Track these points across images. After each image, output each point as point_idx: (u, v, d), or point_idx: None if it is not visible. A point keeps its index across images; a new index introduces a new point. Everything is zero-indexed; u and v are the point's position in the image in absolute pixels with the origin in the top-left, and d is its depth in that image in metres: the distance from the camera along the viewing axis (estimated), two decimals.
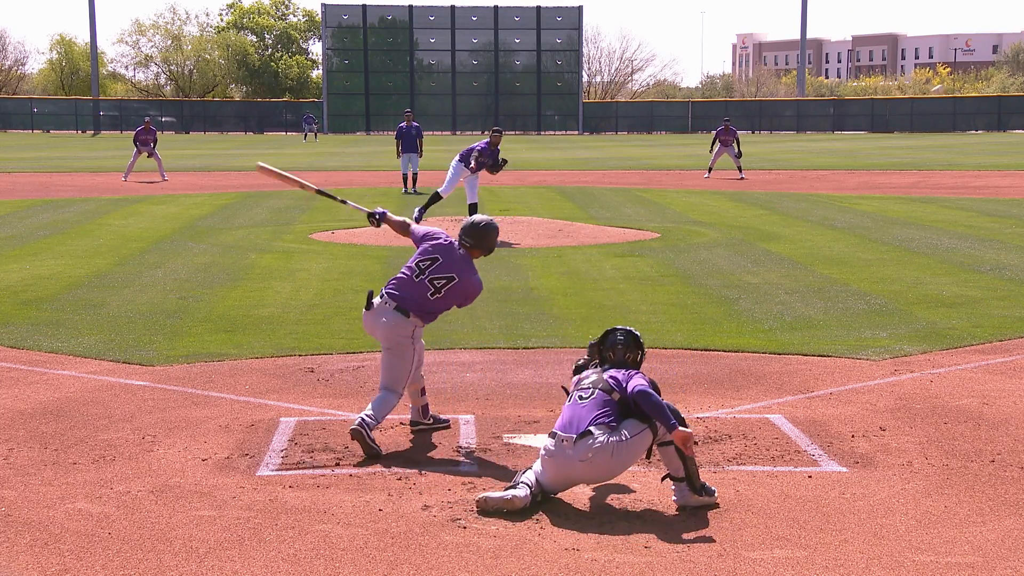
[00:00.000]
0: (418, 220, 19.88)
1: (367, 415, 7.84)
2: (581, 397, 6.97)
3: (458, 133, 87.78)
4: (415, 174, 32.06)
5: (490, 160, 20.75)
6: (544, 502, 6.85)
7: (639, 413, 6.83)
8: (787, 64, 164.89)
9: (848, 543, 6.29)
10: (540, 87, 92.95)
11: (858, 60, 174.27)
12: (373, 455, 7.75)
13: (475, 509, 6.75)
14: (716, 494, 6.91)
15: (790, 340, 11.75)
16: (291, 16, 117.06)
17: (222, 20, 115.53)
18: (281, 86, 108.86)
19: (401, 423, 8.58)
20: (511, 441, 8.24)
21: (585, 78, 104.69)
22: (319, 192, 9.05)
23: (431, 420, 8.51)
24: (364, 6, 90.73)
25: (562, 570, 5.94)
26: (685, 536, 6.40)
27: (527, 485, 6.80)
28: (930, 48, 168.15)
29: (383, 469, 7.58)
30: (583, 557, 6.10)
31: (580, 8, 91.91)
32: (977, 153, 52.90)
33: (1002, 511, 6.79)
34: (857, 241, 19.93)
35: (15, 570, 5.93)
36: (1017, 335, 12.00)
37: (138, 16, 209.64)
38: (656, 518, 6.71)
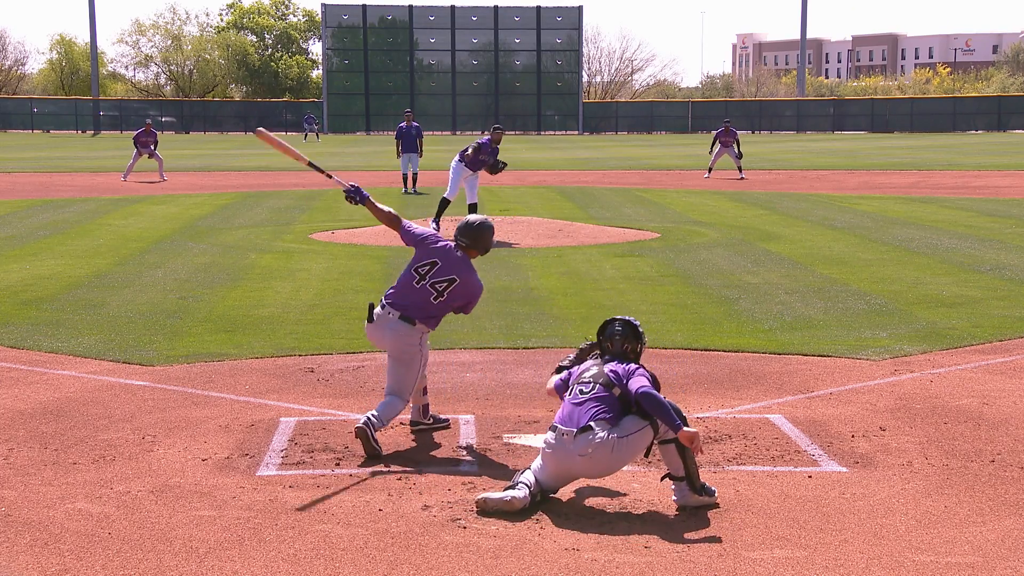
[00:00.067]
0: (436, 229, 19.82)
1: (373, 415, 7.84)
2: (582, 391, 6.96)
3: (458, 133, 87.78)
4: (415, 174, 32.06)
5: (491, 158, 20.71)
6: (544, 502, 6.86)
7: (641, 410, 6.83)
8: (787, 64, 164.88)
9: (848, 543, 6.29)
10: (540, 87, 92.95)
11: (858, 60, 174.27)
12: (374, 455, 7.75)
13: (475, 509, 6.75)
14: (716, 494, 6.91)
15: (790, 340, 11.75)
16: (291, 16, 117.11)
17: (222, 20, 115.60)
18: (281, 86, 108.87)
19: (401, 423, 8.58)
20: (511, 441, 8.24)
21: (585, 78, 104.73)
22: (310, 164, 8.90)
23: (431, 420, 8.51)
24: (364, 6, 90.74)
25: (562, 570, 5.94)
26: (685, 536, 6.40)
27: (526, 485, 6.80)
28: (930, 48, 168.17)
29: (383, 469, 7.58)
30: (583, 557, 6.10)
31: (580, 8, 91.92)
32: (977, 153, 52.91)
33: (1002, 511, 6.79)
34: (857, 241, 19.93)
35: (15, 570, 5.93)
36: (1017, 335, 12.00)
37: (138, 16, 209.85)
38: (656, 518, 6.71)
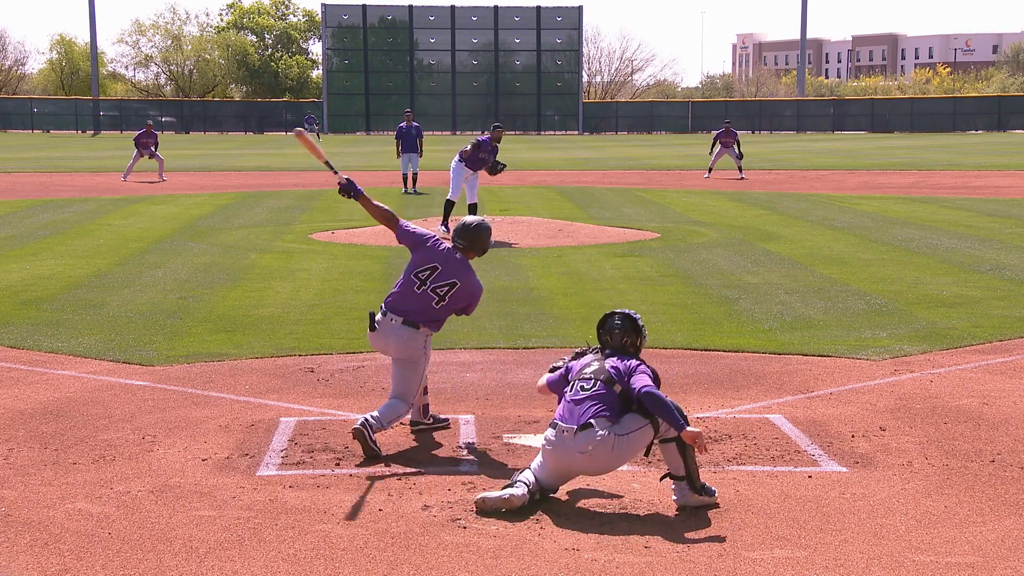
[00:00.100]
0: (448, 231, 19.81)
1: (372, 416, 7.83)
2: (583, 388, 6.94)
3: (458, 133, 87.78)
4: (415, 174, 32.05)
5: (491, 156, 20.68)
6: (543, 501, 6.86)
7: (642, 408, 6.82)
8: (787, 64, 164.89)
9: (848, 543, 6.29)
10: (540, 87, 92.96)
11: (858, 60, 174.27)
12: (373, 456, 7.75)
13: (474, 510, 6.75)
14: (716, 494, 6.92)
15: (790, 340, 11.75)
16: (291, 16, 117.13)
17: (222, 20, 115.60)
18: (281, 86, 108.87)
19: (401, 423, 8.58)
20: (511, 441, 8.24)
21: (585, 78, 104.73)
22: (326, 163, 8.88)
23: (431, 420, 8.51)
24: (364, 6, 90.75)
25: (562, 570, 5.94)
26: (685, 536, 6.40)
27: (525, 484, 6.80)
28: (930, 48, 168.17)
29: (383, 469, 7.58)
30: (583, 557, 6.10)
31: (580, 8, 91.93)
32: (977, 153, 52.91)
33: (1002, 511, 6.79)
34: (857, 241, 19.93)
35: (15, 570, 5.93)
36: (1017, 335, 12.00)
37: (138, 16, 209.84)
38: (656, 518, 6.71)
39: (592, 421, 6.79)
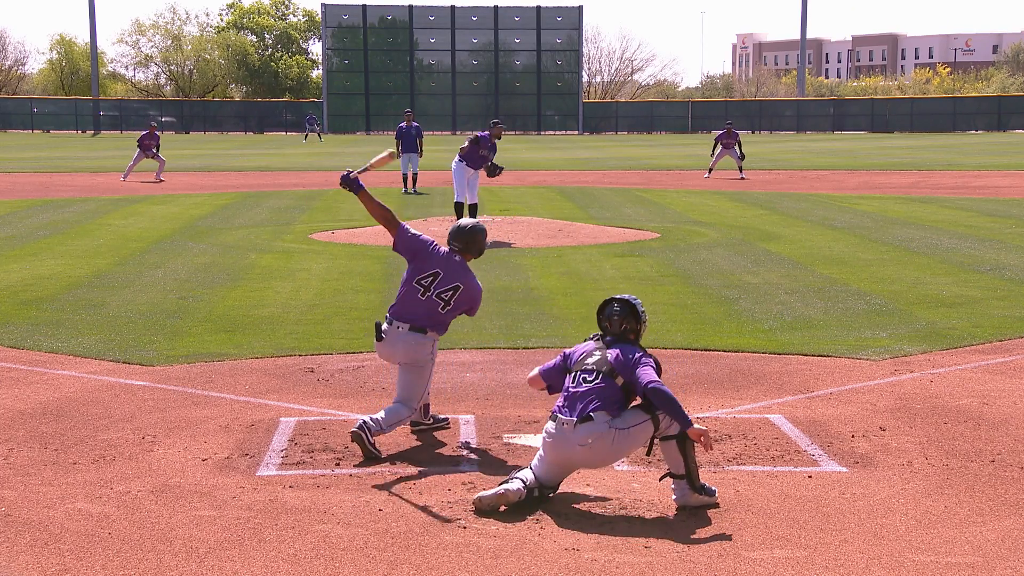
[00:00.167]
0: None
1: (373, 419, 7.83)
2: (585, 379, 6.92)
3: (458, 133, 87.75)
4: (415, 174, 32.05)
5: (491, 153, 20.63)
6: (544, 501, 6.86)
7: (644, 402, 6.81)
8: (787, 64, 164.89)
9: (848, 543, 6.29)
10: (540, 87, 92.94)
11: (858, 60, 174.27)
12: (372, 458, 7.74)
13: (472, 509, 6.75)
14: (716, 494, 6.91)
15: (790, 340, 11.75)
16: (291, 16, 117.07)
17: (222, 20, 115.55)
18: (281, 86, 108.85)
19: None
20: (511, 441, 8.24)
21: (585, 78, 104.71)
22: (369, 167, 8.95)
23: (431, 420, 8.51)
24: (364, 6, 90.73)
25: (562, 570, 5.94)
26: (685, 536, 6.40)
27: (521, 480, 6.80)
28: (930, 48, 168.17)
29: (383, 469, 7.58)
30: (583, 557, 6.10)
31: (580, 8, 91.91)
32: (977, 153, 52.90)
33: (1002, 511, 6.79)
34: (857, 241, 19.93)
35: (15, 570, 5.93)
36: (1017, 335, 12.00)
37: (138, 16, 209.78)
38: (656, 518, 6.71)
39: (592, 414, 6.78)
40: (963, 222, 22.83)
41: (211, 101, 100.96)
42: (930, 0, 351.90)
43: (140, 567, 5.97)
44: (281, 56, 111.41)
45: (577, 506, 6.88)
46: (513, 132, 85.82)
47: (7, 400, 9.35)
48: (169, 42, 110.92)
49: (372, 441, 7.74)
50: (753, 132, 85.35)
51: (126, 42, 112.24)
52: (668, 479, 6.93)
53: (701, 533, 6.45)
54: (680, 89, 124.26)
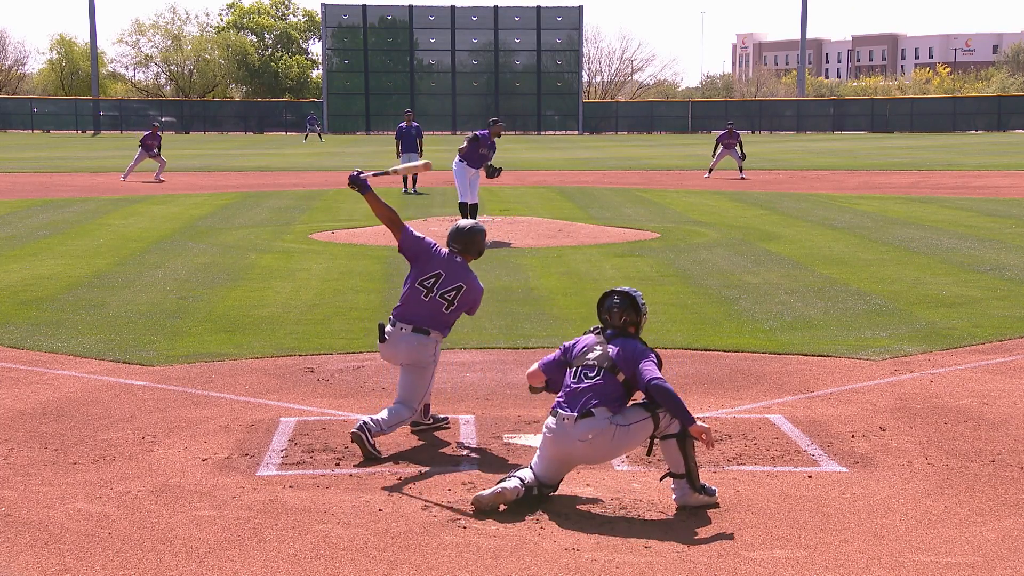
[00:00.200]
0: None
1: (373, 419, 7.83)
2: (587, 376, 6.90)
3: (458, 133, 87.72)
4: (415, 174, 32.06)
5: (491, 151, 20.59)
6: (544, 501, 6.86)
7: (646, 400, 6.81)
8: (787, 64, 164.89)
9: (848, 543, 6.29)
10: (540, 87, 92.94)
11: (858, 60, 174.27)
12: (372, 458, 7.74)
13: (471, 510, 6.75)
14: (716, 494, 6.91)
15: (790, 340, 11.75)
16: (291, 16, 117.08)
17: (222, 20, 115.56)
18: (281, 86, 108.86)
19: None
20: (511, 441, 8.24)
21: (585, 78, 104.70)
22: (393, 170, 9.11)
23: (431, 420, 8.51)
24: (364, 6, 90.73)
25: (562, 570, 5.94)
26: (685, 536, 6.40)
27: (519, 478, 6.79)
28: (930, 48, 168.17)
29: (383, 469, 7.58)
30: (583, 557, 6.10)
31: (580, 8, 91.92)
32: (977, 153, 52.90)
33: (1002, 511, 6.79)
34: (857, 241, 19.93)
35: (15, 570, 5.93)
36: (1017, 335, 12.00)
37: (138, 16, 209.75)
38: (656, 518, 6.71)
39: (593, 410, 6.78)
40: (963, 222, 22.83)
41: (211, 101, 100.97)
42: (930, 0, 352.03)
43: (140, 567, 5.97)
44: (281, 56, 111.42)
45: (577, 506, 6.88)
46: (513, 132, 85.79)
47: (7, 400, 9.35)
48: (169, 42, 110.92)
49: (372, 442, 7.75)
50: (753, 132, 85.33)
51: (126, 42, 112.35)
52: (668, 479, 6.93)
53: (701, 533, 6.45)
54: (680, 89, 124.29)
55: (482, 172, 20.72)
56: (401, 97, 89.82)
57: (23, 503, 6.91)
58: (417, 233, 8.29)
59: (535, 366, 7.41)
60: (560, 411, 6.86)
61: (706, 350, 11.34)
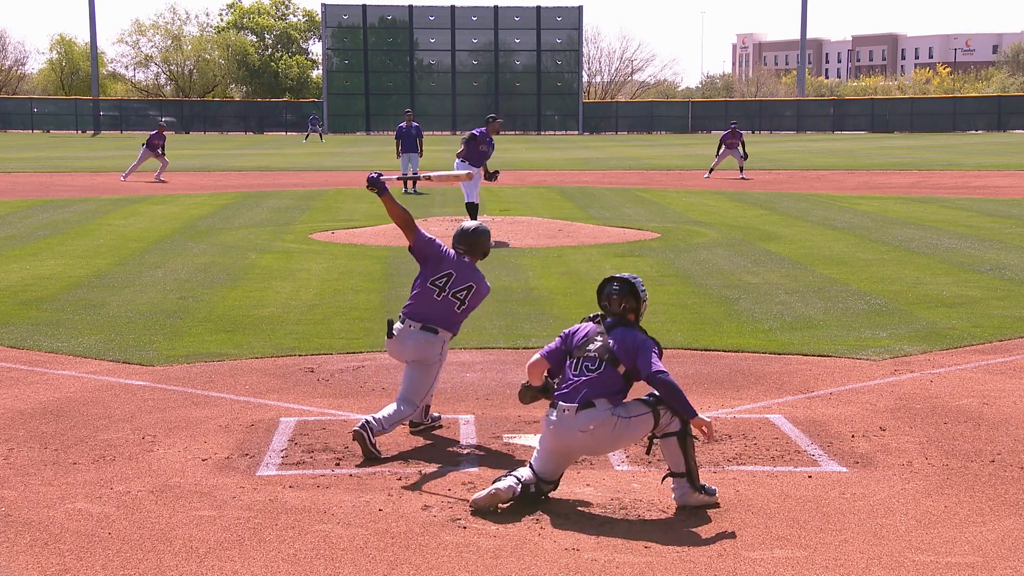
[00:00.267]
0: None
1: (374, 418, 7.83)
2: (588, 368, 6.90)
3: (458, 133, 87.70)
4: (414, 174, 32.01)
5: (490, 148, 20.56)
6: (544, 501, 6.86)
7: (648, 396, 6.81)
8: (787, 64, 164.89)
9: (848, 543, 6.29)
10: (540, 87, 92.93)
11: (858, 60, 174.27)
12: (372, 458, 7.74)
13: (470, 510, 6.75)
14: (716, 494, 6.91)
15: (790, 340, 11.75)
16: (291, 16, 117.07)
17: (222, 20, 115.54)
18: (281, 86, 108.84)
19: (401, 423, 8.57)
20: (511, 441, 8.25)
21: (585, 78, 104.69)
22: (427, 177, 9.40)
23: (429, 420, 8.52)
24: (364, 6, 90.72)
25: (562, 570, 5.94)
26: (685, 536, 6.41)
27: (515, 477, 6.79)
28: (930, 48, 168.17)
29: (383, 469, 7.58)
30: (583, 557, 6.10)
31: (580, 8, 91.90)
32: (977, 153, 52.90)
33: (1002, 511, 6.79)
34: (857, 241, 19.93)
35: (15, 570, 5.93)
36: (1017, 335, 12.00)
37: (138, 16, 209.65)
38: (656, 518, 6.71)
39: (594, 401, 6.78)
40: (963, 222, 22.83)
41: (211, 101, 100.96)
42: (930, 0, 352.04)
43: (140, 567, 5.97)
44: (281, 56, 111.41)
45: (577, 506, 6.88)
46: (513, 132, 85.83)
47: (7, 400, 9.35)
48: (169, 42, 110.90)
49: (373, 441, 7.75)
50: (753, 132, 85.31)
51: (126, 42, 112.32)
52: (668, 479, 6.93)
53: (701, 533, 6.45)
54: (680, 89, 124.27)
55: (482, 172, 20.70)
56: (401, 97, 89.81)
57: (23, 503, 6.91)
58: (428, 235, 8.38)
59: (537, 355, 7.37)
60: (560, 402, 6.87)
61: (706, 350, 11.34)
